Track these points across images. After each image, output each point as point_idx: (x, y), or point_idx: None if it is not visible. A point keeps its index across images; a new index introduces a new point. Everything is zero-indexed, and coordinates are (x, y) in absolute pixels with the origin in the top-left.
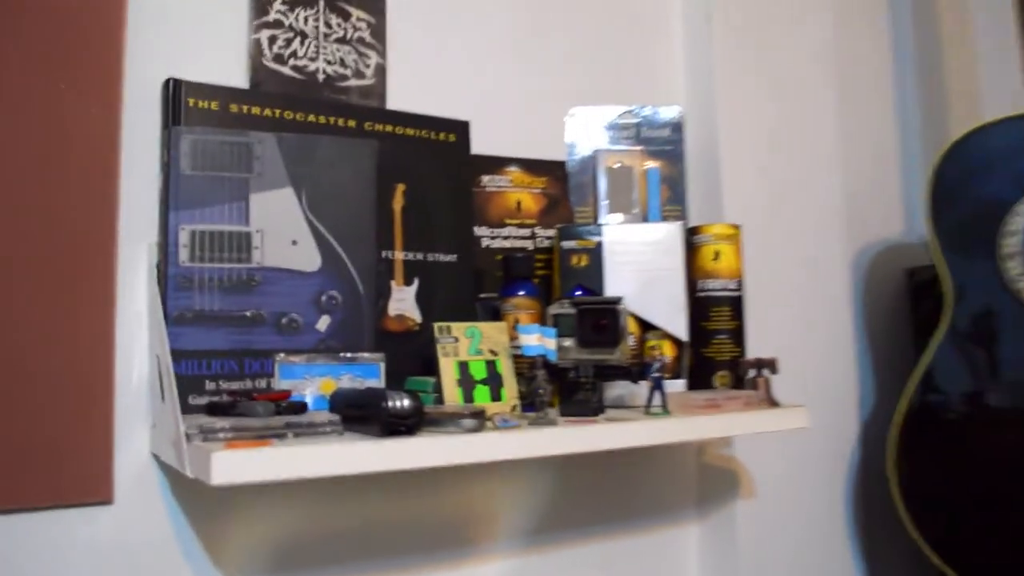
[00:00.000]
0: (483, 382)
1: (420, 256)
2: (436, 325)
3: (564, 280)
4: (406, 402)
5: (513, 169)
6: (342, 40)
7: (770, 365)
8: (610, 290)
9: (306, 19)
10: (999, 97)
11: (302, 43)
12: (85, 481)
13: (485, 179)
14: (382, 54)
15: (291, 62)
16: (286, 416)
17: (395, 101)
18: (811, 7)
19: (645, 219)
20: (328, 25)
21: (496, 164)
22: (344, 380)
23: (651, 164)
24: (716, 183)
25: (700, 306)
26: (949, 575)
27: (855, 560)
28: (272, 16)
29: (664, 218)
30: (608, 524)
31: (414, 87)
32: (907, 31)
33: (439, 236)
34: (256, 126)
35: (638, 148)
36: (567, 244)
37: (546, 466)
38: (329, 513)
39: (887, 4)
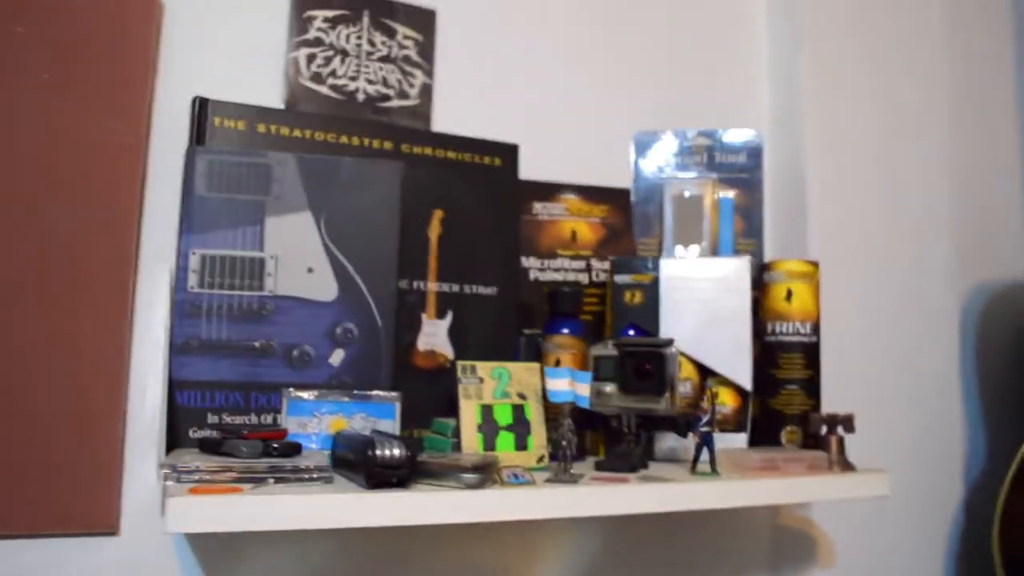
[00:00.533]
0: (508, 428)
1: (456, 288)
2: (459, 364)
3: (616, 318)
4: (396, 451)
5: (569, 196)
6: (386, 59)
7: (845, 422)
8: (666, 331)
9: (348, 37)
10: None
11: (342, 62)
12: (91, 510)
13: (537, 206)
14: (429, 73)
15: (330, 81)
16: (271, 459)
17: (442, 123)
18: (919, 18)
19: (715, 253)
20: (372, 43)
21: (550, 191)
22: (356, 420)
23: (724, 193)
24: (800, 215)
25: (768, 352)
26: None
27: None
28: (312, 34)
29: (737, 252)
30: None
31: (463, 108)
32: None
33: (479, 267)
34: (285, 147)
35: (710, 175)
36: (620, 278)
37: (593, 521)
38: (344, 558)
39: (1011, 12)
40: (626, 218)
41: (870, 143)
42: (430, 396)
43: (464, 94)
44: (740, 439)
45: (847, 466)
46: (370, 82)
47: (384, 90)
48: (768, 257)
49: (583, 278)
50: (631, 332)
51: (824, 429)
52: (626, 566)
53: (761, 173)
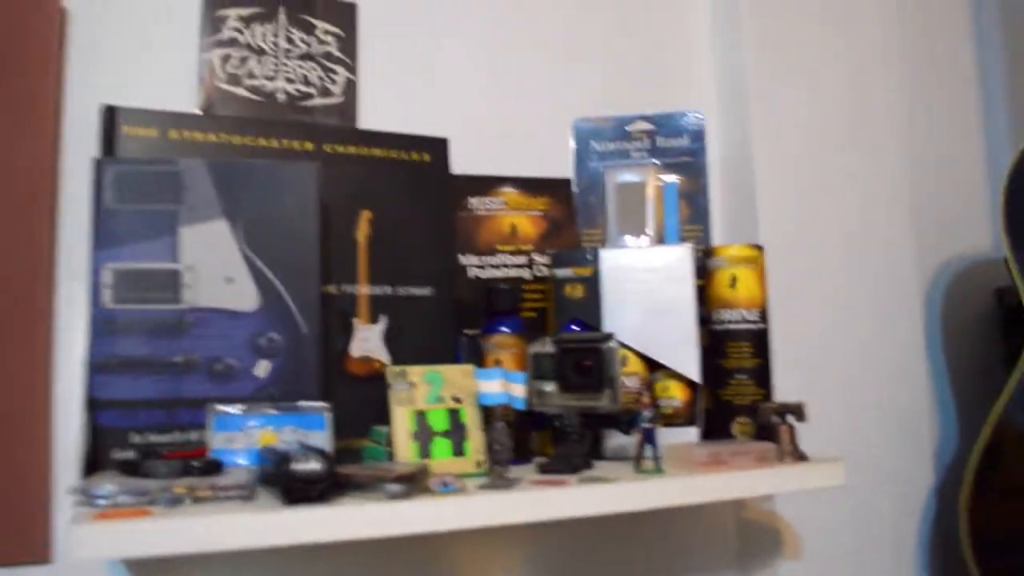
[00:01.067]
0: (444, 434)
1: (389, 290)
2: (389, 369)
3: (558, 314)
4: (313, 464)
5: (507, 189)
6: (306, 56)
7: (796, 411)
8: (610, 324)
9: (264, 35)
10: None
11: (259, 61)
12: (20, 540)
13: (474, 202)
14: (352, 69)
15: (247, 82)
16: (190, 478)
17: (369, 119)
18: None
19: (661, 241)
20: (290, 40)
21: (487, 184)
22: (286, 432)
23: (668, 178)
24: (749, 198)
25: (716, 341)
26: None
27: None
28: (226, 34)
29: (683, 239)
30: None
31: (390, 103)
32: (994, 18)
33: (412, 267)
34: (200, 153)
35: (652, 161)
36: (561, 272)
37: (546, 524)
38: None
39: None
40: (568, 209)
41: (820, 121)
42: (367, 404)
43: (391, 89)
44: (691, 433)
45: (799, 456)
46: (290, 81)
47: (305, 88)
48: (717, 243)
49: (525, 274)
50: (574, 327)
51: (774, 419)
52: (587, 566)
53: (705, 156)
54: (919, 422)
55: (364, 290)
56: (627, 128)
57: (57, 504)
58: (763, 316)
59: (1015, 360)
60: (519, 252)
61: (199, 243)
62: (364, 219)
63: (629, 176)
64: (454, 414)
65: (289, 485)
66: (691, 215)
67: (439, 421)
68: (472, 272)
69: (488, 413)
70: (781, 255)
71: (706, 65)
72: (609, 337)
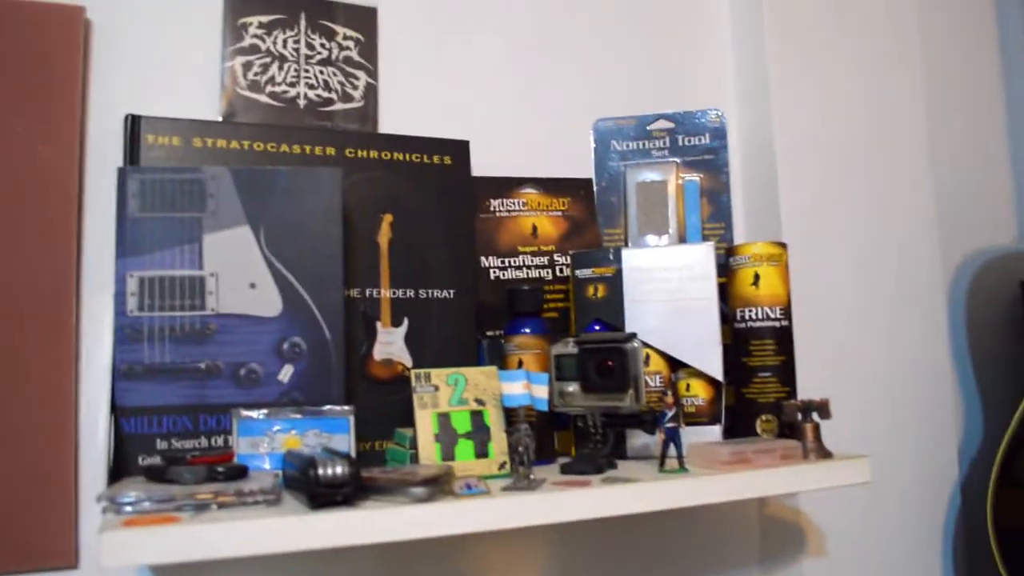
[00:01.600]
0: (467, 436)
1: (411, 293)
2: (413, 372)
3: (579, 314)
4: (339, 469)
5: (528, 190)
6: (326, 61)
7: (820, 409)
8: (632, 324)
9: (285, 42)
10: None
11: (281, 68)
12: (47, 545)
13: (495, 203)
14: (373, 74)
15: (268, 89)
16: (216, 484)
17: (390, 124)
18: None
19: (683, 240)
20: (310, 46)
21: (507, 186)
22: (310, 436)
23: (689, 176)
24: (771, 195)
25: (739, 339)
26: None
27: None
28: (248, 41)
29: (705, 238)
30: None
31: (411, 107)
32: (1017, 11)
33: (434, 270)
34: (223, 160)
35: (673, 160)
36: (582, 273)
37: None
38: None
39: None
40: (589, 209)
41: (840, 117)
42: (390, 406)
43: (411, 92)
44: (715, 431)
45: (824, 454)
46: (311, 86)
47: (326, 94)
48: (739, 240)
49: (547, 274)
50: (596, 327)
51: (799, 416)
52: (612, 565)
53: (727, 154)
54: (943, 416)
55: (386, 293)
56: (648, 127)
57: (83, 510)
58: (786, 313)
59: None
60: (540, 253)
61: (223, 250)
62: (386, 223)
63: (650, 175)
64: (477, 416)
65: (315, 490)
66: (712, 213)
67: (462, 423)
68: (494, 273)
69: (511, 415)
70: (803, 252)
71: (727, 64)
72: (632, 337)
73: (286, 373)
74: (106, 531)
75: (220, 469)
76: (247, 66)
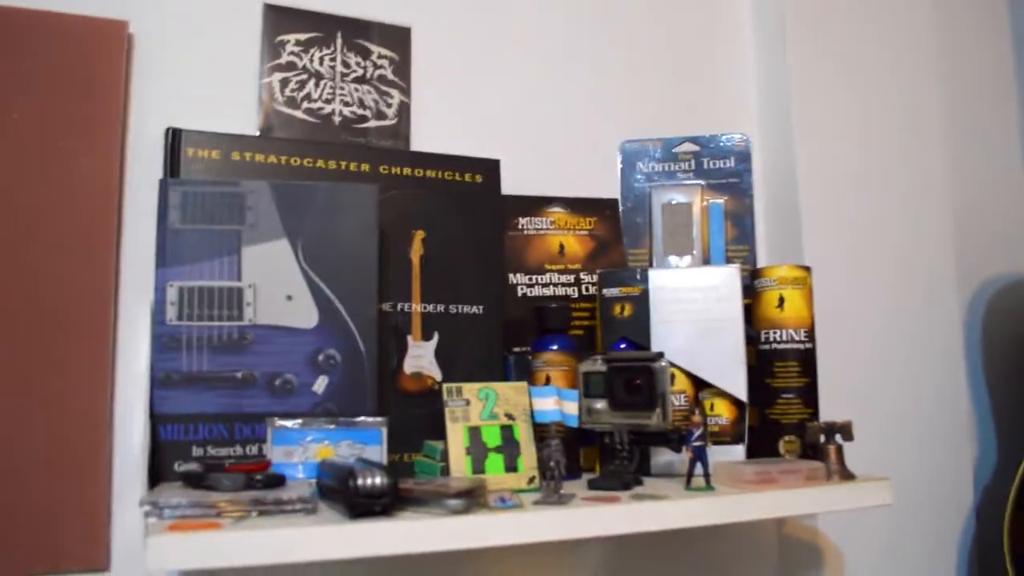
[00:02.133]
0: (497, 450)
1: (441, 308)
2: (445, 386)
3: (606, 332)
4: (377, 480)
5: (556, 210)
6: (361, 79)
7: (843, 430)
8: (657, 343)
9: (321, 59)
10: None
11: (317, 85)
12: (80, 548)
13: (523, 221)
14: (406, 92)
15: (304, 105)
16: (254, 491)
17: (422, 141)
18: (909, 13)
19: (707, 261)
20: (346, 64)
21: (535, 205)
22: (342, 447)
23: (714, 199)
24: (793, 218)
25: (763, 360)
26: None
27: None
28: (285, 58)
29: (729, 260)
30: None
31: (442, 126)
32: None
33: (464, 286)
34: (261, 174)
35: (698, 182)
36: (609, 292)
37: (592, 540)
38: None
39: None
40: (615, 229)
41: (862, 142)
42: (418, 419)
43: (443, 111)
44: (738, 451)
45: (847, 475)
46: (346, 104)
47: (360, 111)
48: (762, 263)
49: (573, 292)
50: (622, 346)
51: (822, 438)
52: None
53: (751, 177)
54: (959, 440)
55: (417, 308)
56: (673, 150)
57: (116, 514)
58: (810, 336)
59: None
60: (567, 271)
61: (261, 262)
62: (418, 239)
63: (676, 196)
64: (507, 430)
65: (353, 499)
66: (736, 236)
67: (492, 437)
68: (521, 290)
69: (542, 430)
70: (824, 275)
71: (751, 88)
72: (660, 356)
73: (320, 384)
74: (151, 535)
75: (258, 477)
76: (284, 82)
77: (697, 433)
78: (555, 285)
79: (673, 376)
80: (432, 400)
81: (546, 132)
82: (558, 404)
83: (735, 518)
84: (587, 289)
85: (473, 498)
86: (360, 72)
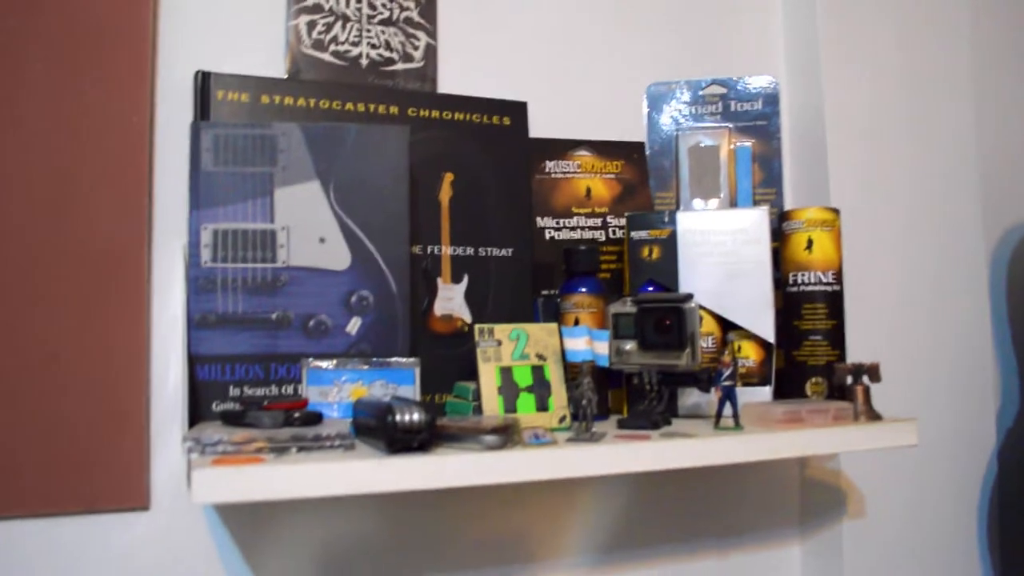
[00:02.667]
0: (528, 390)
1: (471, 251)
2: (477, 327)
3: (634, 275)
4: (415, 416)
5: (582, 153)
6: (387, 21)
7: (871, 372)
8: (685, 285)
9: (348, 1)
10: None
11: (344, 27)
12: (120, 487)
13: (550, 165)
14: (432, 34)
15: (332, 48)
16: (293, 428)
17: (448, 84)
18: None
19: (734, 204)
20: (372, 6)
21: (562, 148)
22: (376, 387)
23: (741, 142)
24: (821, 161)
25: (791, 303)
26: None
27: None
28: (312, 0)
29: (756, 203)
30: (697, 543)
31: (470, 68)
32: None
33: (493, 228)
34: (290, 117)
35: (726, 125)
36: (637, 235)
37: (618, 479)
38: (377, 525)
39: None
40: (642, 172)
41: (890, 86)
42: (448, 361)
43: (470, 53)
44: (765, 392)
45: (873, 416)
46: (373, 46)
47: (387, 54)
48: (788, 206)
49: (600, 235)
50: (650, 288)
51: (849, 379)
52: (655, 521)
53: (778, 120)
54: (983, 384)
55: (447, 251)
56: (700, 92)
57: (155, 453)
58: (838, 278)
59: None
60: (594, 214)
61: (294, 204)
62: (447, 181)
63: (702, 140)
64: (538, 370)
65: (392, 435)
66: (764, 179)
67: (524, 377)
68: (548, 234)
69: (572, 369)
70: (851, 219)
71: (778, 30)
72: (689, 297)
73: (354, 325)
74: (197, 469)
75: (296, 415)
76: (311, 25)
77: (727, 373)
78: (582, 228)
79: (701, 318)
80: (462, 342)
81: (572, 74)
82: (589, 344)
83: (763, 456)
84: (614, 232)
85: (508, 435)
86: (386, 14)
